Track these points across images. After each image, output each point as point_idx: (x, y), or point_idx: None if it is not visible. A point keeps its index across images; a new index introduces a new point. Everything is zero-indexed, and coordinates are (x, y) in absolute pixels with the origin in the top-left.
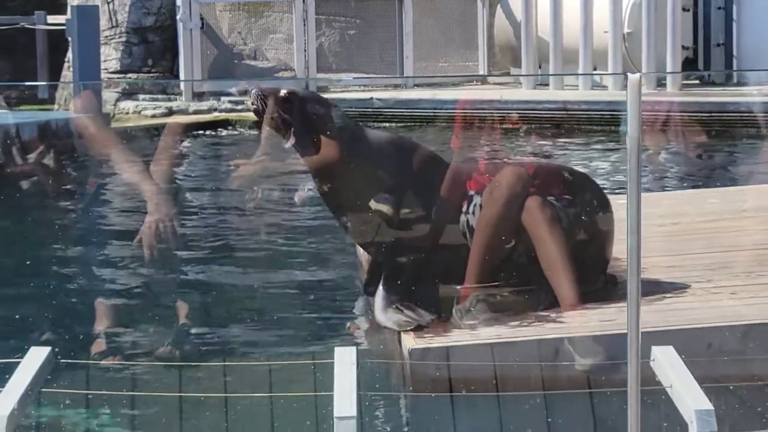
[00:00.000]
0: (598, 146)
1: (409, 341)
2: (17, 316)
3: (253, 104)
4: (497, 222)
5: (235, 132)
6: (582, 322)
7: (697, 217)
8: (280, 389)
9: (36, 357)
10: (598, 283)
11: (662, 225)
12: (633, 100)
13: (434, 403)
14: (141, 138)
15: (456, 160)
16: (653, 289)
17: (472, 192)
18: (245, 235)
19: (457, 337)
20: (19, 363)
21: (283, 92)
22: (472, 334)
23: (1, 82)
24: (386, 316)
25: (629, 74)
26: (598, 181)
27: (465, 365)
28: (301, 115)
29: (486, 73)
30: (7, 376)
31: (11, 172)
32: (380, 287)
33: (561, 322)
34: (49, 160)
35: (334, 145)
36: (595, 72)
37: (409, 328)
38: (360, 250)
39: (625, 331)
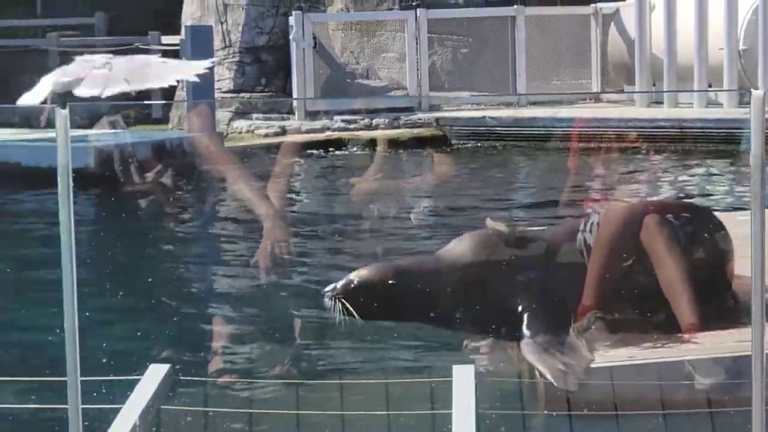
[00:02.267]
0: (714, 164)
1: None
2: (138, 334)
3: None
4: (615, 240)
5: (352, 152)
6: (705, 343)
7: None
8: (398, 407)
9: (156, 374)
10: (725, 302)
11: None
12: (756, 116)
13: (560, 423)
14: (256, 157)
15: (572, 179)
16: None
17: (589, 210)
18: (361, 252)
19: (621, 360)
20: (139, 380)
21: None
22: (606, 356)
23: (117, 102)
24: (539, 359)
25: (753, 90)
26: (714, 199)
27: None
28: None
29: (599, 91)
30: (128, 393)
31: (130, 191)
32: (525, 329)
33: (684, 342)
34: (166, 179)
35: None
36: (711, 89)
37: (564, 382)
38: None
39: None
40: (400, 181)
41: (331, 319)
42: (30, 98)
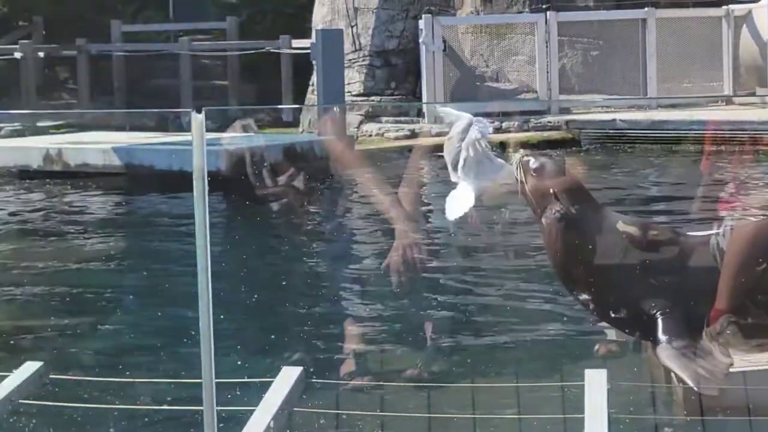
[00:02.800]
0: None
1: None
2: (272, 336)
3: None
4: (750, 244)
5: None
6: None
7: None
8: (530, 412)
9: (289, 376)
10: None
11: None
12: None
13: (693, 427)
14: (386, 160)
15: (705, 182)
16: None
17: (723, 213)
18: (492, 259)
19: (741, 363)
20: (272, 382)
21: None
22: (740, 361)
23: (250, 106)
24: (679, 365)
25: None
26: None
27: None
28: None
29: (731, 94)
30: (261, 395)
31: (262, 194)
32: (660, 333)
33: None
34: (298, 183)
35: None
36: None
37: (707, 387)
38: None
39: None
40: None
41: (462, 321)
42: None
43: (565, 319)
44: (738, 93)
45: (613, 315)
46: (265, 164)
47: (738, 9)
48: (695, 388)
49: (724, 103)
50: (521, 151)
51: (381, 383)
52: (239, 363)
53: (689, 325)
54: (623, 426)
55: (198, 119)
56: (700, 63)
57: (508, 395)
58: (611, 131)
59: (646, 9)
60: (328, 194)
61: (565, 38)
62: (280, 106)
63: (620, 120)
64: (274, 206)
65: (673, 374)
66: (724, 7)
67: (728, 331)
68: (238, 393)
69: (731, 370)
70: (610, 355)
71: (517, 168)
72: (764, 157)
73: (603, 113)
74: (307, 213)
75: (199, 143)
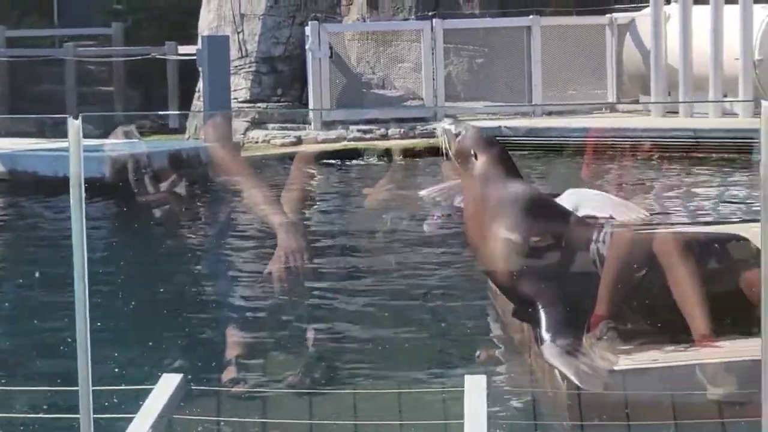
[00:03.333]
0: (729, 174)
1: None
2: (150, 344)
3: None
4: (628, 251)
5: (367, 161)
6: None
7: None
8: (410, 417)
9: (168, 384)
10: (741, 313)
11: None
12: (766, 127)
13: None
14: (271, 167)
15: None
16: None
17: (602, 220)
18: (374, 264)
19: (635, 369)
20: (152, 389)
21: (459, 128)
22: (648, 365)
23: (132, 112)
24: (564, 362)
25: (763, 101)
26: (730, 210)
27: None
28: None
29: (615, 101)
30: (140, 402)
31: (144, 200)
32: (544, 333)
33: (697, 353)
34: (180, 189)
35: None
36: (725, 99)
37: (590, 384)
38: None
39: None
40: (414, 190)
41: (344, 329)
42: None
43: (443, 325)
44: (621, 100)
45: (508, 285)
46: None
47: (621, 17)
48: (579, 385)
49: (608, 111)
50: (446, 120)
51: (262, 390)
52: (117, 370)
53: (573, 328)
54: (501, 430)
55: (75, 125)
56: (584, 70)
57: (390, 401)
58: (496, 138)
59: (530, 17)
60: (211, 201)
61: (450, 45)
62: (163, 113)
63: (505, 127)
64: (156, 212)
65: (557, 373)
66: (608, 15)
67: (608, 337)
68: (116, 401)
69: (618, 375)
70: (491, 361)
71: (441, 135)
72: (646, 163)
73: (488, 120)
74: (189, 219)
75: (75, 149)
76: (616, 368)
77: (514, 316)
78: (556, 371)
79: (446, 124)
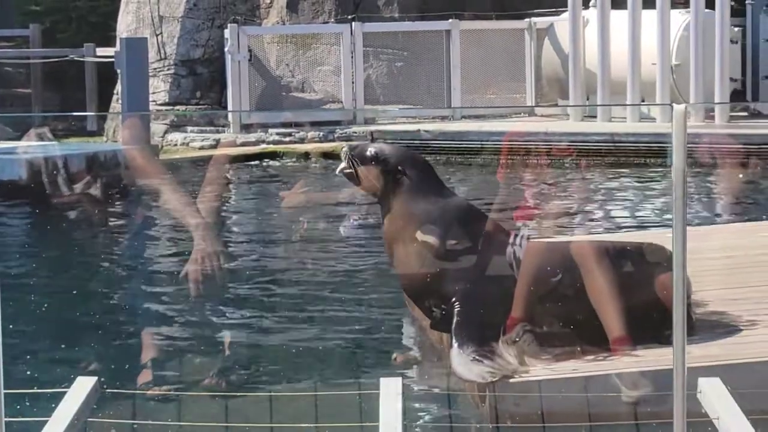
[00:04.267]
0: (646, 179)
1: None
2: (63, 346)
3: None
4: (545, 254)
5: (283, 164)
6: (632, 356)
7: (751, 250)
8: (327, 420)
9: (82, 387)
10: (655, 316)
11: (716, 258)
12: (678, 131)
13: None
14: (188, 169)
15: (502, 192)
16: (708, 322)
17: (519, 224)
18: (290, 266)
19: (538, 372)
20: (66, 392)
21: (370, 150)
22: (563, 368)
23: (48, 113)
24: (466, 369)
25: (675, 105)
26: (646, 213)
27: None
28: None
29: (533, 105)
30: (53, 405)
31: (58, 202)
32: (453, 339)
33: (612, 356)
34: (95, 191)
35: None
36: (642, 103)
37: (494, 380)
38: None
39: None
40: (331, 193)
41: (260, 331)
42: None
43: (357, 327)
44: (540, 104)
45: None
46: (64, 173)
47: (540, 22)
48: (486, 391)
49: (527, 115)
50: (345, 145)
51: (177, 392)
52: (30, 373)
53: (486, 332)
54: None
55: None
56: (503, 75)
57: (306, 403)
58: (414, 142)
59: (450, 21)
60: (127, 203)
61: (370, 49)
62: (81, 113)
63: (424, 130)
64: (71, 214)
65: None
66: (527, 20)
67: (524, 339)
68: (28, 404)
69: (531, 377)
70: (407, 364)
71: (348, 159)
72: (562, 167)
73: (408, 124)
74: (105, 221)
75: None
76: (533, 378)
77: (432, 328)
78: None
79: (351, 147)
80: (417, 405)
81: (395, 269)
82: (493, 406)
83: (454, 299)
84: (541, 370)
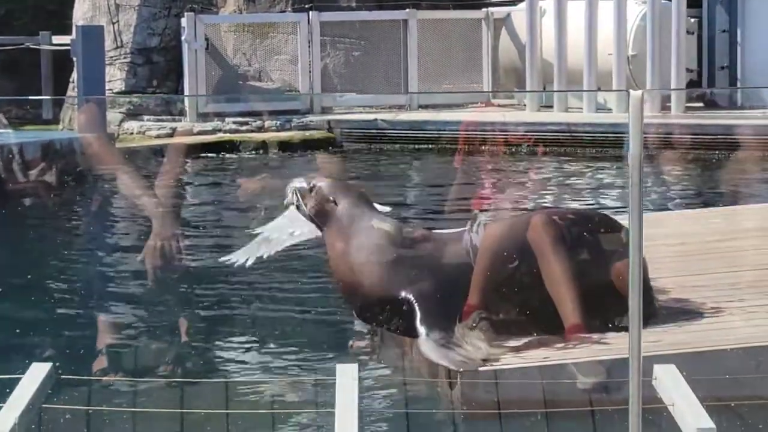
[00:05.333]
0: (602, 169)
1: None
2: (18, 330)
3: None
4: (501, 241)
5: (239, 154)
6: (588, 343)
7: (703, 237)
8: (283, 407)
9: (37, 373)
10: (613, 303)
11: (671, 245)
12: (635, 117)
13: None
14: (145, 157)
15: (459, 180)
16: (666, 309)
17: (476, 211)
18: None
19: (507, 359)
20: (20, 379)
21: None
22: (520, 356)
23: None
24: (438, 354)
25: (631, 91)
26: (603, 201)
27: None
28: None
29: (491, 95)
30: (8, 391)
31: (13, 189)
32: (419, 325)
33: (567, 343)
34: (50, 177)
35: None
36: (598, 89)
37: (467, 368)
38: None
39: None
40: (287, 180)
41: (216, 317)
42: None
43: (313, 313)
44: (497, 91)
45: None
46: (17, 160)
47: (497, 12)
48: (457, 371)
49: (483, 104)
50: (295, 180)
51: (133, 379)
52: None
53: (446, 319)
54: (373, 418)
55: None
56: (460, 64)
57: (263, 390)
58: (372, 131)
59: (407, 10)
60: (83, 189)
61: (327, 38)
62: (36, 98)
63: (381, 120)
64: (26, 201)
65: (440, 366)
66: (484, 9)
67: (480, 326)
68: None
69: (491, 366)
70: (363, 350)
71: (293, 194)
72: (519, 155)
73: (365, 113)
74: (60, 208)
75: None
76: (490, 367)
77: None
78: (431, 362)
79: (296, 183)
80: (373, 392)
81: (346, 297)
82: (462, 392)
83: (409, 303)
84: (497, 357)
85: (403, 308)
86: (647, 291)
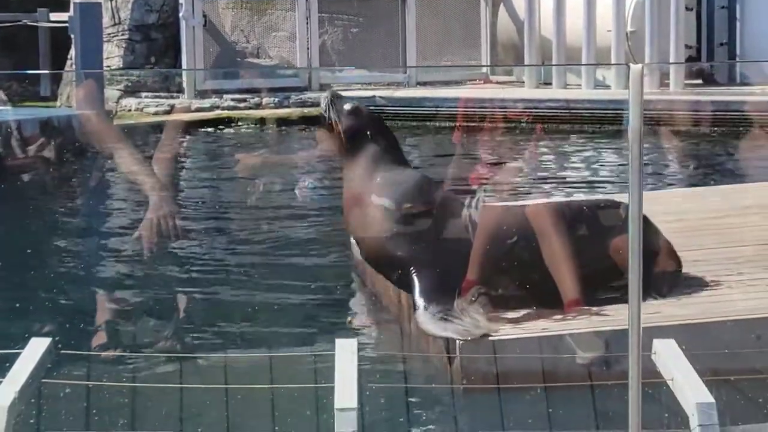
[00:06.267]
0: (601, 145)
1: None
2: (17, 306)
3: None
4: (500, 216)
5: (237, 130)
6: (587, 317)
7: (701, 214)
8: (282, 381)
9: (37, 348)
10: (611, 278)
11: (667, 222)
12: (635, 91)
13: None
14: (143, 134)
15: (458, 157)
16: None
17: (475, 187)
18: (246, 228)
19: (506, 331)
20: (20, 354)
21: (350, 104)
22: (518, 327)
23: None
24: (439, 327)
25: (631, 65)
26: (602, 177)
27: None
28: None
29: (489, 71)
30: (7, 365)
31: (11, 165)
32: (417, 299)
33: (566, 317)
34: (49, 153)
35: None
36: (597, 63)
37: (469, 338)
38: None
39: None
40: (286, 156)
41: (214, 293)
42: None
43: (312, 289)
44: (497, 66)
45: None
46: (15, 136)
47: None
48: (456, 343)
49: (482, 81)
50: (331, 89)
51: (132, 354)
52: None
53: (445, 294)
54: (371, 393)
55: None
56: (458, 41)
57: (261, 364)
58: (370, 108)
59: None
60: (81, 165)
61: (326, 15)
62: (34, 72)
63: (379, 97)
64: (25, 177)
65: (438, 341)
66: None
67: (478, 301)
68: None
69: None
70: (362, 326)
71: (328, 106)
72: (517, 132)
73: (363, 90)
74: (58, 184)
75: None
76: (490, 338)
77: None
78: (430, 337)
79: (333, 94)
80: (372, 366)
81: (353, 234)
82: (461, 366)
83: (412, 266)
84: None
85: (406, 266)
86: (676, 261)
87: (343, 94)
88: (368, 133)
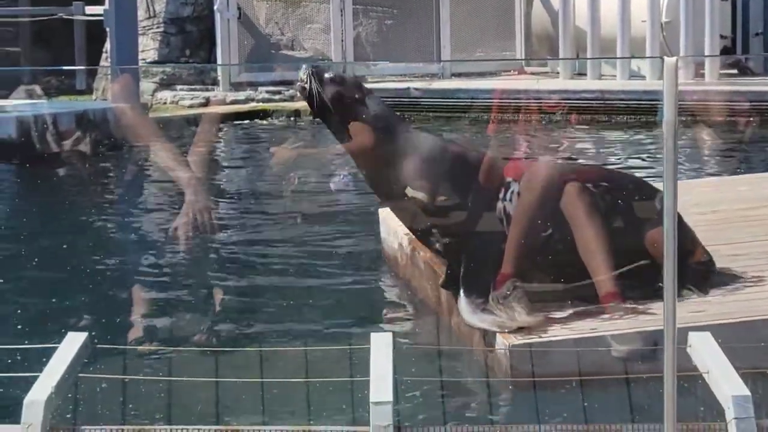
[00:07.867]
0: (636, 136)
1: (507, 338)
2: (54, 300)
3: (301, 81)
4: (535, 209)
5: (271, 122)
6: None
7: (734, 204)
8: (317, 375)
9: (73, 342)
10: (647, 271)
11: (702, 213)
12: (669, 83)
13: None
14: (178, 127)
15: (493, 148)
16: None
17: (509, 179)
18: (281, 221)
19: (554, 332)
20: (57, 348)
21: (328, 74)
22: (568, 328)
23: (36, 68)
24: (479, 318)
25: (666, 58)
26: (635, 169)
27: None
28: (341, 98)
29: (524, 63)
30: (45, 360)
31: (48, 158)
32: (461, 291)
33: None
34: (84, 147)
35: (369, 130)
36: (631, 56)
37: (508, 330)
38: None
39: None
40: (321, 149)
41: (250, 287)
42: None
43: (347, 282)
44: (531, 58)
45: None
46: (51, 130)
47: None
48: (498, 331)
49: (516, 72)
50: (311, 63)
51: (168, 348)
52: (21, 328)
53: (479, 288)
54: (406, 387)
55: None
56: (493, 33)
57: (296, 359)
58: (404, 99)
59: None
60: (117, 159)
61: (360, 7)
62: (70, 68)
63: (414, 88)
64: (60, 171)
65: (475, 335)
66: None
67: (513, 295)
68: (20, 359)
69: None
70: (398, 319)
71: (309, 77)
72: (553, 124)
73: (397, 82)
74: (95, 178)
75: None
76: (525, 339)
77: (443, 287)
78: (464, 329)
79: (311, 67)
80: (408, 359)
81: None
82: (497, 361)
83: (445, 253)
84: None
85: (453, 234)
86: (647, 256)
87: (373, 85)
88: (356, 97)
